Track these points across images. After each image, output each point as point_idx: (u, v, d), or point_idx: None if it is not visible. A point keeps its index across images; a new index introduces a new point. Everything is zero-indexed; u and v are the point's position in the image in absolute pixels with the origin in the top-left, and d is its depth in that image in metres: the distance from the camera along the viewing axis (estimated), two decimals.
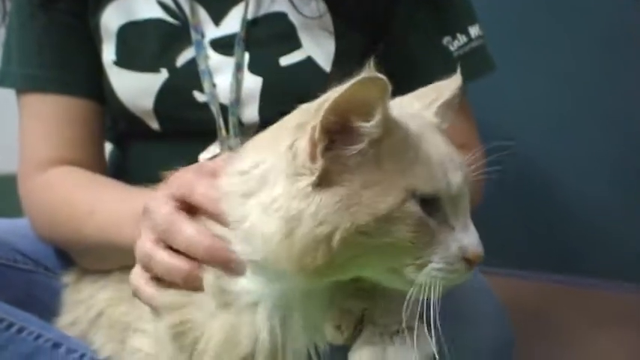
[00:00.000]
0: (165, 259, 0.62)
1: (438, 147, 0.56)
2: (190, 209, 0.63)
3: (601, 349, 1.38)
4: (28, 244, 0.95)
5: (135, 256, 0.74)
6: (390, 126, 0.53)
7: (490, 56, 0.99)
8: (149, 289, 0.64)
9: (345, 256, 0.53)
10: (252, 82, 0.91)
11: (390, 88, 0.51)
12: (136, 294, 0.66)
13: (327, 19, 0.92)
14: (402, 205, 0.52)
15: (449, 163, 0.55)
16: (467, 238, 0.54)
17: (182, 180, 0.65)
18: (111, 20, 0.94)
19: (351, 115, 0.52)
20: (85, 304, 0.87)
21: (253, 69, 0.91)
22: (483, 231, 0.57)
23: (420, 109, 0.61)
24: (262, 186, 0.56)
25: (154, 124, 0.95)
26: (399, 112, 0.55)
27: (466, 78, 0.83)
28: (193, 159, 0.92)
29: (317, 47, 0.92)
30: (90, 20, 0.95)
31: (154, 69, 0.93)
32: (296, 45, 0.92)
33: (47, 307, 0.89)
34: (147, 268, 0.64)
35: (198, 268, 0.61)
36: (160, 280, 0.63)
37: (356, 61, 0.90)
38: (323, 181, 0.53)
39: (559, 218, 1.73)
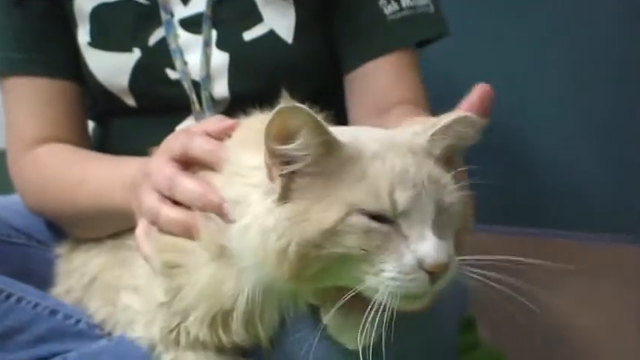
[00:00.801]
0: (168, 212, 0.68)
1: (393, 167, 0.58)
2: (187, 168, 0.70)
3: (573, 298, 1.41)
4: (20, 219, 1.01)
5: (126, 222, 0.82)
6: (333, 147, 0.58)
7: (432, 26, 1.00)
8: (149, 247, 0.70)
9: (308, 267, 0.57)
10: (220, 58, 0.96)
11: (310, 113, 0.56)
12: (138, 248, 0.72)
13: None
14: (345, 219, 0.55)
15: (398, 183, 0.57)
16: (423, 248, 0.55)
17: (177, 141, 0.72)
18: (84, 2, 0.98)
19: (277, 142, 0.57)
20: (79, 272, 0.93)
21: (220, 45, 0.96)
22: None
23: (415, 132, 0.63)
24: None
25: (130, 101, 1.00)
26: (352, 135, 0.61)
27: (396, 44, 0.90)
28: (170, 132, 0.97)
29: (278, 20, 0.96)
30: (65, 4, 0.99)
31: (127, 49, 0.97)
32: (258, 19, 0.95)
33: (43, 279, 0.95)
34: (153, 222, 0.70)
35: (196, 218, 0.66)
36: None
37: (315, 29, 0.97)
38: (284, 198, 0.58)
39: (528, 172, 1.79)
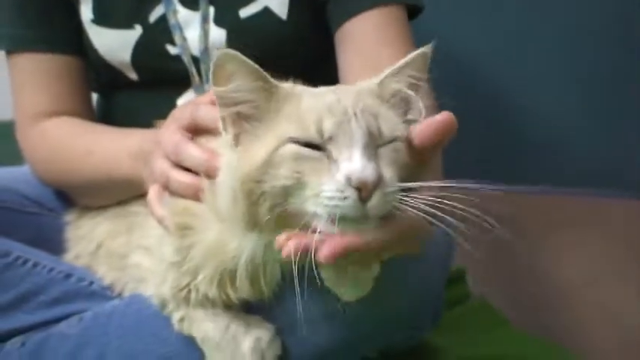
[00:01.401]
0: (178, 176, 0.75)
1: (324, 101, 0.63)
2: (196, 135, 0.76)
3: (554, 251, 1.46)
4: (32, 189, 1.07)
5: (131, 191, 0.89)
6: (272, 92, 0.64)
7: None
8: (162, 210, 0.76)
9: (257, 206, 0.61)
10: (218, 35, 1.00)
11: (245, 59, 0.62)
12: (151, 211, 0.78)
13: None
14: (278, 150, 0.60)
15: (326, 112, 0.61)
16: (349, 166, 0.58)
17: (185, 110, 0.78)
18: None
19: (217, 85, 0.64)
20: (86, 239, 0.99)
21: (218, 22, 1.00)
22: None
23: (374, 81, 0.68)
24: None
25: (133, 75, 1.04)
26: (319, 90, 0.66)
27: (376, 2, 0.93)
28: (171, 104, 1.03)
29: None
30: None
31: (128, 25, 1.02)
32: None
33: (55, 245, 1.02)
34: (165, 186, 0.77)
35: (202, 180, 0.72)
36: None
37: (308, 4, 1.00)
38: (236, 143, 0.65)
39: (515, 129, 1.84)
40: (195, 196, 0.73)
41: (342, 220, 0.58)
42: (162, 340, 0.78)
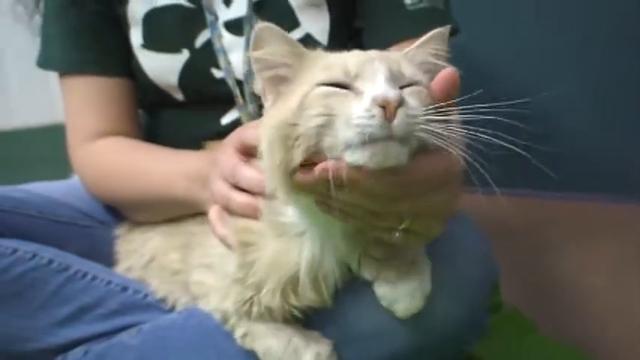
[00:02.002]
0: (237, 197, 0.81)
1: (350, 54, 0.71)
2: (250, 156, 0.82)
3: (584, 258, 1.47)
4: (83, 202, 1.13)
5: (183, 210, 0.96)
6: (303, 55, 0.72)
7: (447, 21, 1.01)
8: (224, 230, 0.82)
9: (295, 148, 0.65)
10: None
11: (276, 28, 0.71)
12: (213, 231, 0.84)
13: None
14: (309, 94, 0.66)
15: (350, 57, 0.69)
16: (374, 90, 0.63)
17: (238, 134, 0.85)
18: (136, 8, 1.08)
19: (256, 53, 0.72)
20: (137, 253, 1.05)
21: None
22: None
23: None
24: None
25: (179, 96, 1.10)
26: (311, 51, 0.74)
27: (415, 33, 0.94)
28: (215, 123, 1.09)
29: (314, 24, 1.05)
30: (117, 8, 1.09)
31: (176, 50, 1.07)
32: (295, 24, 1.05)
33: (106, 256, 1.08)
34: (225, 207, 0.83)
35: (258, 200, 0.79)
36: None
37: (346, 29, 1.05)
38: (274, 103, 0.72)
39: (538, 136, 1.87)
40: (254, 214, 0.79)
41: (372, 141, 0.61)
42: (222, 353, 0.84)
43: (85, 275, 0.98)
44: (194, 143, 1.05)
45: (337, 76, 0.67)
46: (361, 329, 0.78)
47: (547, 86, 1.79)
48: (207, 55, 1.06)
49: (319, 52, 0.74)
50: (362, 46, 1.06)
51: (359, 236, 0.74)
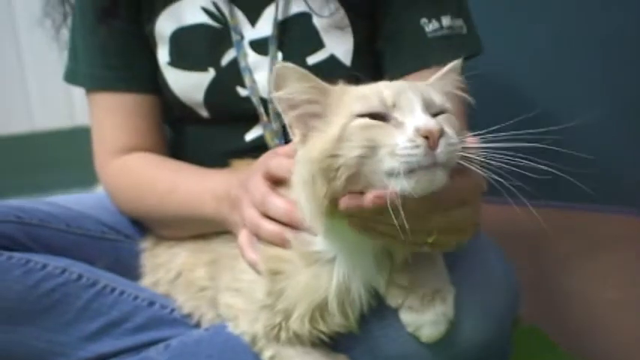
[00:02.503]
0: (267, 226, 0.83)
1: (375, 85, 0.74)
2: (276, 184, 0.85)
3: (597, 271, 1.49)
4: (109, 216, 1.15)
5: (210, 228, 0.98)
6: (325, 88, 0.74)
7: (467, 45, 1.07)
8: (254, 255, 0.84)
9: (336, 178, 0.68)
10: None
11: (295, 66, 0.74)
12: (242, 255, 0.86)
13: (344, 18, 1.06)
14: (348, 125, 0.68)
15: (385, 88, 0.71)
16: (416, 121, 0.67)
17: (265, 161, 0.86)
18: (164, 27, 1.09)
19: (278, 94, 0.74)
20: (164, 268, 1.07)
21: None
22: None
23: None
24: None
25: (204, 113, 1.12)
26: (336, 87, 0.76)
27: (434, 61, 0.99)
28: (240, 139, 1.11)
29: (338, 46, 1.06)
30: (145, 27, 1.11)
31: (202, 68, 1.09)
32: (320, 45, 1.06)
33: (131, 269, 1.10)
34: (255, 233, 0.85)
35: (286, 231, 0.81)
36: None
37: (369, 51, 1.07)
38: (304, 141, 0.74)
39: (563, 147, 1.87)
40: (282, 244, 0.81)
41: (417, 170, 0.65)
42: None
43: (113, 290, 1.00)
44: (218, 159, 1.07)
45: (375, 106, 0.70)
46: (387, 353, 0.80)
47: (573, 96, 1.81)
48: (232, 74, 1.08)
49: (343, 86, 0.76)
50: (383, 70, 1.09)
51: (387, 259, 0.76)
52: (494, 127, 0.69)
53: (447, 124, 0.69)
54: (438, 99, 0.72)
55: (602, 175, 1.81)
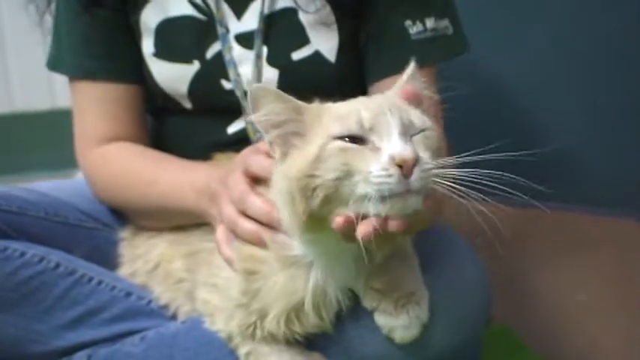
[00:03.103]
0: (244, 224, 0.83)
1: (359, 101, 0.74)
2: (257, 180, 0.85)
3: (569, 272, 1.52)
4: (88, 203, 1.15)
5: (189, 219, 0.98)
6: (302, 108, 0.74)
7: (451, 46, 1.09)
8: (230, 252, 0.85)
9: (313, 198, 0.69)
10: (271, 73, 1.07)
11: (270, 88, 0.75)
12: (219, 251, 0.87)
13: (330, 15, 1.06)
14: (325, 147, 0.69)
15: (363, 109, 0.71)
16: (392, 148, 0.67)
17: (244, 159, 0.86)
18: (149, 18, 1.09)
19: (255, 116, 0.74)
20: (143, 259, 1.07)
21: (270, 62, 1.07)
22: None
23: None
24: None
25: (187, 104, 1.12)
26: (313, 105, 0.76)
27: (420, 61, 0.97)
28: (222, 131, 1.12)
29: (323, 42, 1.07)
30: (130, 17, 1.10)
31: (187, 60, 1.09)
32: (305, 41, 1.07)
33: (110, 259, 1.10)
34: (232, 231, 0.85)
35: (264, 231, 0.81)
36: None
37: (353, 49, 1.08)
38: (283, 159, 0.74)
39: (533, 147, 1.90)
40: (259, 243, 0.81)
41: (391, 196, 0.66)
42: None
43: (90, 279, 1.01)
44: (200, 150, 1.07)
45: (352, 129, 0.70)
46: (362, 353, 0.82)
47: (551, 98, 1.83)
48: (217, 67, 1.08)
49: (319, 104, 0.76)
50: (366, 68, 1.10)
51: (364, 264, 0.77)
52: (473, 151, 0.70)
53: (423, 146, 0.70)
54: (418, 119, 0.73)
55: (577, 175, 1.85)
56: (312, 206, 0.70)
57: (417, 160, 0.66)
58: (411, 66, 0.80)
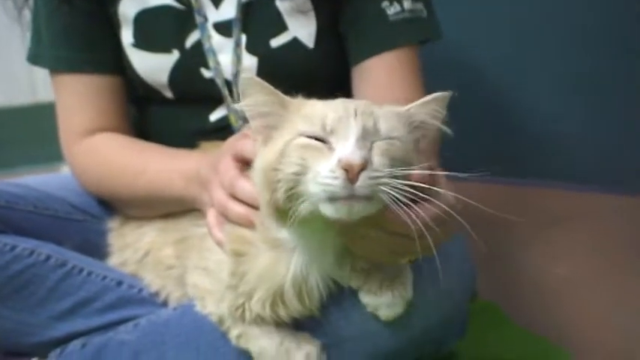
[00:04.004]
0: (234, 207, 0.84)
1: (332, 103, 0.75)
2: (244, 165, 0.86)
3: (550, 247, 1.55)
4: (77, 196, 1.16)
5: (178, 207, 1.00)
6: (285, 102, 0.76)
7: (428, 28, 1.11)
8: (221, 235, 0.86)
9: (277, 190, 0.71)
10: (249, 61, 1.08)
11: (258, 79, 0.76)
12: (210, 234, 0.88)
13: (307, 2, 1.08)
14: (291, 142, 0.71)
15: (331, 111, 0.72)
16: (341, 152, 0.67)
17: (234, 143, 0.87)
18: (127, 8, 1.10)
19: (242, 103, 0.76)
20: (132, 247, 1.08)
21: (249, 49, 1.08)
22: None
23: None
24: None
25: (168, 94, 1.13)
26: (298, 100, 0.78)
27: (396, 43, 1.00)
28: (203, 119, 1.14)
29: (301, 28, 1.08)
30: (109, 8, 1.11)
31: (166, 50, 1.10)
32: (283, 28, 1.08)
33: (99, 250, 1.12)
34: (223, 214, 0.87)
35: (253, 213, 0.82)
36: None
37: (332, 34, 1.09)
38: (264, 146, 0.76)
39: (517, 125, 1.93)
40: (249, 225, 0.83)
41: (335, 198, 0.67)
42: (218, 351, 0.88)
43: (81, 271, 1.02)
44: (183, 138, 1.09)
45: (315, 130, 0.71)
46: (348, 332, 0.84)
47: (531, 77, 1.85)
48: (196, 56, 1.09)
49: (301, 100, 0.77)
50: (347, 53, 1.11)
51: (347, 255, 0.79)
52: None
53: (383, 153, 0.69)
54: (386, 126, 0.72)
55: (558, 151, 1.88)
56: (276, 199, 0.72)
57: (364, 166, 0.66)
58: (442, 93, 0.77)
